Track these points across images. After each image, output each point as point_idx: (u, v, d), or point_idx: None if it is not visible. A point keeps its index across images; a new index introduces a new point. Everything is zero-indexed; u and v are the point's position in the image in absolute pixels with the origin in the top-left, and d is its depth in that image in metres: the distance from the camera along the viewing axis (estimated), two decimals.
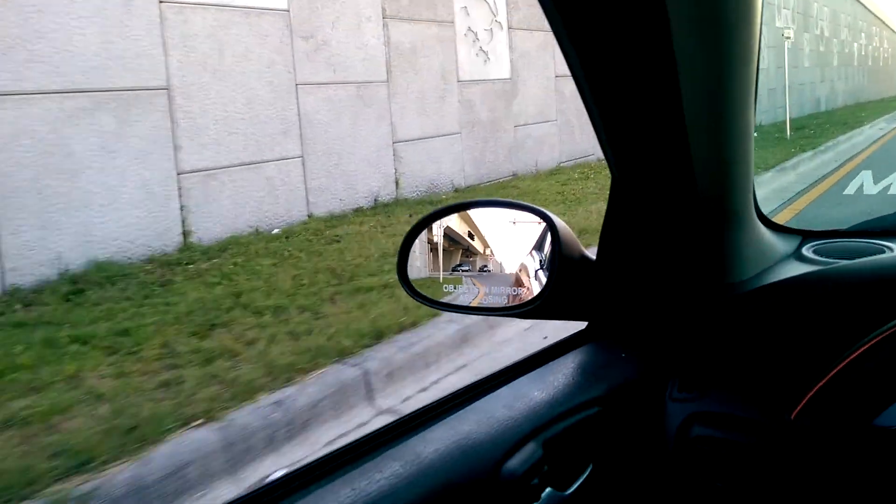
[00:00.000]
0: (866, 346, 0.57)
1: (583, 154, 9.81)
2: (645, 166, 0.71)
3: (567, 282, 0.77)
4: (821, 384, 0.59)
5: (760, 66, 0.71)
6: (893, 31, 37.78)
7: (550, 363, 0.79)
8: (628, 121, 0.66)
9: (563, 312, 0.81)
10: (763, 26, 0.67)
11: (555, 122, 9.46)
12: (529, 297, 0.78)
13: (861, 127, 13.93)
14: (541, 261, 0.78)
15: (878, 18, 32.99)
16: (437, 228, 0.84)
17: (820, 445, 0.59)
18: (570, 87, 8.87)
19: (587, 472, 0.70)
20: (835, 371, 0.58)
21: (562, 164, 9.43)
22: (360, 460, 0.60)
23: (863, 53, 28.32)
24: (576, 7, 0.55)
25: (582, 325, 0.86)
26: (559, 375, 0.76)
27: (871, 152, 10.50)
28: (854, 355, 0.58)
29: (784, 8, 16.48)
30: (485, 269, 0.81)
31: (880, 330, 0.57)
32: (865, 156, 9.99)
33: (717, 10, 0.57)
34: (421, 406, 0.68)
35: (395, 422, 0.65)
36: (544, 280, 0.77)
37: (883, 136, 12.95)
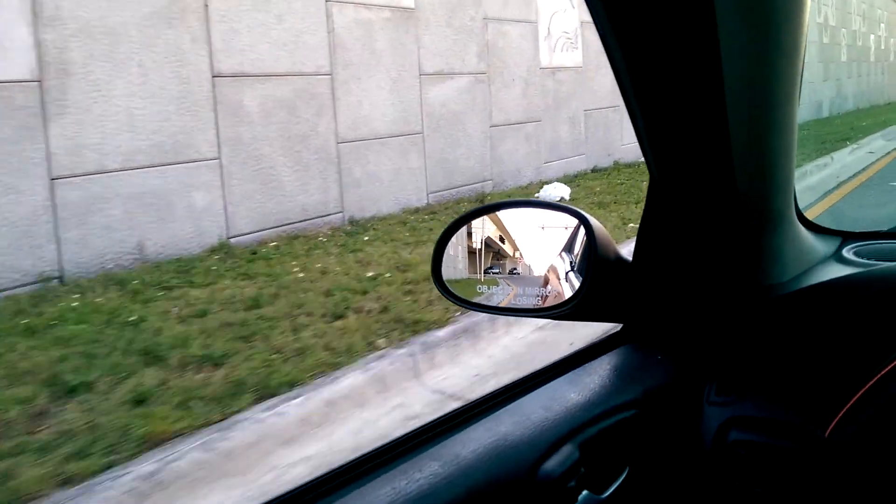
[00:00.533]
0: None
1: None
2: (685, 166, 0.70)
3: (603, 283, 0.76)
4: (856, 398, 0.58)
5: (805, 60, 0.70)
6: None
7: (586, 365, 0.79)
8: (670, 118, 0.65)
9: (598, 314, 0.80)
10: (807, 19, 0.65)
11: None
12: (561, 299, 0.77)
13: (847, 147, 9.30)
14: (571, 262, 0.78)
15: None
16: (471, 229, 0.84)
17: (854, 465, 0.57)
18: None
19: (624, 475, 0.70)
20: (871, 383, 0.57)
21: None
22: (398, 459, 0.61)
23: (882, 47, 24.20)
24: (620, 3, 0.55)
25: (618, 327, 0.86)
26: (595, 377, 0.76)
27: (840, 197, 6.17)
28: (894, 364, 0.57)
29: None
30: (515, 270, 0.81)
31: None
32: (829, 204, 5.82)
33: (762, 10, 0.56)
34: (458, 406, 0.68)
35: (432, 421, 0.65)
36: (575, 282, 0.77)
37: (872, 162, 8.24)
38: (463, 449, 0.61)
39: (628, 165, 9.21)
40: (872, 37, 23.49)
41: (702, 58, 0.57)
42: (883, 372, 0.57)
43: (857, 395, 0.58)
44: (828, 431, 0.59)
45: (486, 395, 0.71)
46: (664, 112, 0.65)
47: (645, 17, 0.55)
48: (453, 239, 0.84)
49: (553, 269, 0.80)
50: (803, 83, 0.70)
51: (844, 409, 0.59)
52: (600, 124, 9.33)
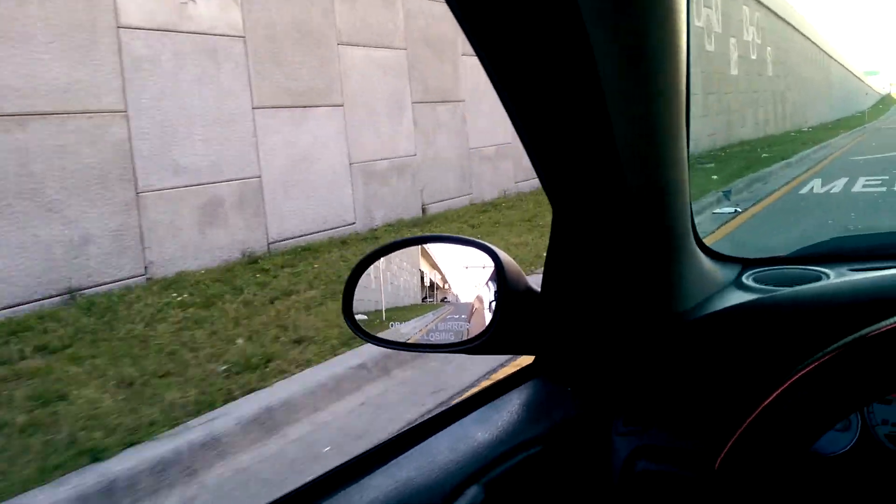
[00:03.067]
0: (799, 375, 0.57)
1: None
2: (582, 198, 0.71)
3: (513, 316, 0.76)
4: (743, 427, 0.59)
5: (692, 92, 0.72)
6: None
7: (495, 401, 0.78)
8: (562, 153, 0.66)
9: (509, 347, 0.80)
10: (690, 51, 0.68)
11: None
12: (477, 332, 0.77)
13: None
14: (495, 294, 0.78)
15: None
16: (384, 264, 0.83)
17: (739, 496, 0.58)
18: None
19: None
20: (763, 406, 0.58)
21: None
22: None
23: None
24: (500, 42, 0.55)
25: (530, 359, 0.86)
26: (504, 413, 0.75)
27: None
28: (786, 385, 0.58)
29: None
30: (431, 304, 0.81)
31: (814, 357, 0.57)
32: None
33: (641, 38, 0.57)
34: (359, 452, 0.67)
35: (331, 470, 0.63)
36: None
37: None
38: (362, 498, 0.59)
39: None
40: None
41: (585, 100, 0.58)
42: (770, 399, 0.58)
43: (746, 423, 0.59)
44: (717, 463, 0.60)
45: (390, 438, 0.69)
46: (555, 148, 0.65)
47: (524, 56, 0.56)
48: (365, 274, 0.83)
49: (475, 302, 0.79)
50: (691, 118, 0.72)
51: (733, 439, 0.60)
52: None
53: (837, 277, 0.83)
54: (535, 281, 0.81)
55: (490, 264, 0.78)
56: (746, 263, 0.96)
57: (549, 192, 0.72)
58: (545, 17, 0.52)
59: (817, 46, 33.53)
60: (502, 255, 0.77)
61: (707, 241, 0.90)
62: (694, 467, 0.69)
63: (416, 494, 0.61)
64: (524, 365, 0.85)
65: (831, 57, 39.26)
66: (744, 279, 0.91)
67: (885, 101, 57.58)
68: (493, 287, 0.77)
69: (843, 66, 45.77)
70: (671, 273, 0.80)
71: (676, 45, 0.61)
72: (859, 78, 55.48)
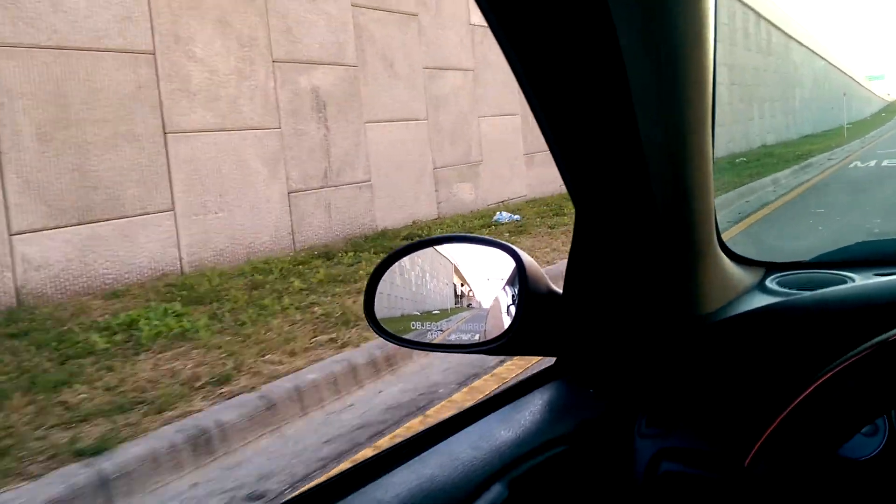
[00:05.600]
0: (825, 378, 0.57)
1: None
2: (607, 200, 0.71)
3: (534, 317, 0.76)
4: (772, 427, 0.58)
5: (717, 97, 0.72)
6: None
7: (517, 401, 0.78)
8: (587, 156, 0.66)
9: (531, 348, 0.80)
10: (717, 56, 0.68)
11: None
12: (498, 333, 0.77)
13: None
14: (513, 296, 0.78)
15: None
16: (406, 264, 0.84)
17: (770, 495, 0.58)
18: None
19: None
20: (790, 409, 0.58)
21: None
22: None
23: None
24: (530, 43, 0.56)
25: (551, 361, 0.86)
26: (526, 413, 0.75)
27: None
28: (812, 388, 0.58)
29: None
30: (453, 305, 0.81)
31: (839, 361, 0.57)
32: None
33: (669, 41, 0.58)
34: (381, 450, 0.67)
35: (353, 467, 0.63)
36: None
37: None
38: (385, 494, 0.59)
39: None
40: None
41: (612, 101, 0.58)
42: (796, 401, 0.58)
43: (774, 425, 0.59)
44: (747, 461, 0.60)
45: (413, 436, 0.69)
46: (581, 151, 0.66)
47: (552, 58, 0.56)
48: (386, 275, 0.84)
49: (496, 303, 0.80)
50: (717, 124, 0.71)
51: (762, 439, 0.59)
52: None
53: (862, 281, 0.83)
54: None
55: (512, 265, 0.78)
56: (770, 267, 0.95)
57: (573, 194, 0.73)
58: (575, 19, 0.53)
59: (795, 40, 27.93)
60: (524, 255, 0.77)
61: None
62: (718, 469, 0.69)
63: (439, 492, 0.61)
64: (546, 367, 0.85)
65: (815, 53, 33.11)
66: (767, 283, 0.90)
67: (889, 109, 51.85)
68: (514, 288, 0.77)
69: (833, 65, 39.22)
70: (694, 276, 0.79)
71: (703, 49, 0.61)
72: (858, 82, 49.10)
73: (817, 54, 33.08)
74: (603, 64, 0.55)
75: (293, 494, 0.61)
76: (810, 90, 32.02)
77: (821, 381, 0.57)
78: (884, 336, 0.54)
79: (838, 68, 40.57)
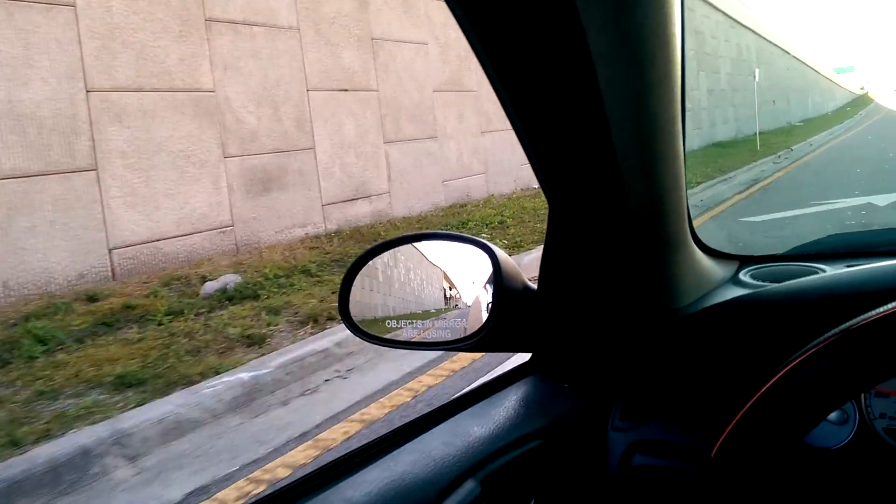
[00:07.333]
0: (790, 367, 0.57)
1: None
2: (579, 195, 0.71)
3: (509, 314, 0.76)
4: (739, 416, 0.59)
5: (687, 90, 0.70)
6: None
7: (492, 397, 0.78)
8: (558, 151, 0.66)
9: (506, 344, 0.80)
10: (687, 50, 0.66)
11: None
12: (475, 330, 0.77)
13: None
14: (489, 293, 0.78)
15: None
16: (380, 262, 0.84)
17: (736, 485, 0.58)
18: None
19: None
20: (755, 399, 0.58)
21: None
22: None
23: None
24: (496, 37, 0.55)
25: (527, 356, 0.86)
26: (500, 409, 0.75)
27: None
28: (777, 377, 0.58)
29: None
30: (429, 303, 0.81)
31: (804, 349, 0.57)
32: None
33: (635, 34, 0.57)
34: (354, 448, 0.67)
35: (323, 466, 0.63)
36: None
37: None
38: (355, 493, 0.58)
39: None
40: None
41: (581, 96, 0.58)
42: (761, 391, 0.58)
43: (739, 415, 0.59)
44: (713, 452, 0.60)
45: (384, 434, 0.69)
46: (552, 146, 0.66)
47: (520, 52, 0.56)
48: (361, 273, 0.84)
49: (472, 300, 0.79)
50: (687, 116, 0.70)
51: (727, 430, 0.60)
52: None
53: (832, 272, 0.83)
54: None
55: (487, 262, 0.78)
56: (744, 261, 0.96)
57: (546, 190, 0.73)
58: (544, 17, 0.53)
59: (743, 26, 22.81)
60: (499, 252, 0.77)
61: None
62: (690, 461, 0.69)
63: (411, 488, 0.60)
64: (522, 363, 0.85)
65: (765, 39, 26.82)
66: (741, 276, 0.91)
67: (856, 103, 46.42)
68: (490, 285, 0.77)
69: (794, 56, 33.33)
70: (668, 270, 0.80)
71: (671, 39, 0.61)
72: (824, 75, 43.18)
73: (767, 40, 26.92)
74: (571, 60, 0.55)
75: (266, 491, 0.61)
76: (764, 85, 23.22)
77: (785, 370, 0.57)
78: (848, 323, 0.55)
79: (798, 59, 34.79)
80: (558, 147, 0.66)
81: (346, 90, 7.46)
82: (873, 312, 0.54)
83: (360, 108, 7.65)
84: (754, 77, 18.58)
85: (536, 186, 9.10)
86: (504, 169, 9.99)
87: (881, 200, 6.26)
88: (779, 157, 12.90)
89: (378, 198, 7.94)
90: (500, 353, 2.03)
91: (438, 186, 8.87)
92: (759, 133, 17.96)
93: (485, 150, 9.76)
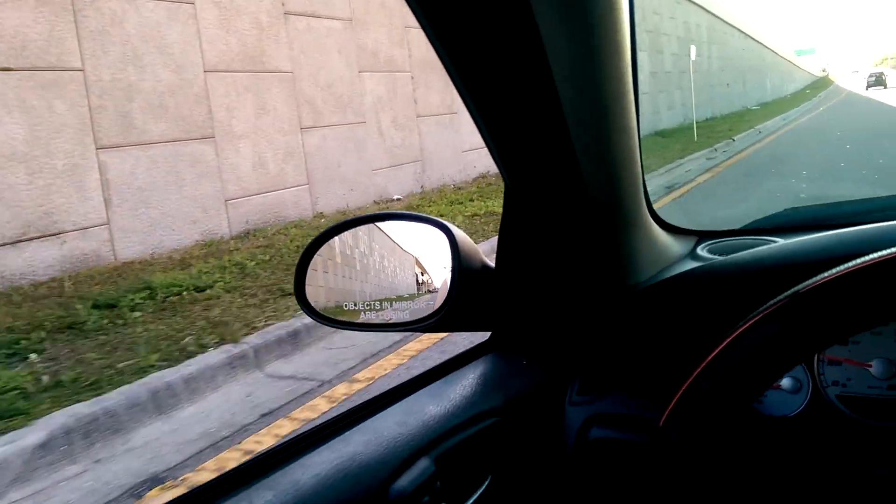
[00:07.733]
0: (737, 333, 0.58)
1: None
2: (534, 173, 0.71)
3: (468, 292, 0.76)
4: (686, 384, 0.59)
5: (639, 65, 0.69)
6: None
7: (449, 376, 0.77)
8: (512, 128, 0.66)
9: (465, 324, 0.80)
10: (637, 23, 0.64)
11: None
12: (433, 310, 0.76)
13: None
14: (447, 272, 0.77)
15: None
16: (337, 243, 0.81)
17: (683, 455, 0.59)
18: None
19: (485, 485, 0.69)
20: (701, 367, 0.58)
21: None
22: (228, 494, 0.55)
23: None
24: (443, 12, 0.54)
25: (486, 335, 0.85)
26: (457, 388, 0.74)
27: None
28: (724, 344, 0.58)
29: None
30: (386, 284, 0.79)
31: (752, 315, 0.57)
32: None
33: (582, 11, 0.57)
34: (304, 430, 0.64)
35: (270, 449, 0.60)
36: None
37: None
38: (303, 475, 0.57)
39: None
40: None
41: (530, 70, 0.58)
42: (708, 359, 0.58)
43: (686, 384, 0.60)
44: (661, 422, 0.60)
45: (336, 416, 0.66)
46: (505, 123, 0.65)
47: (468, 27, 0.55)
48: (318, 253, 0.80)
49: (429, 280, 0.79)
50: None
51: (675, 399, 0.60)
52: None
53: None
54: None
55: (445, 241, 0.78)
56: (702, 235, 0.97)
57: (502, 168, 0.72)
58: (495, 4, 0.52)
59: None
60: (457, 231, 0.77)
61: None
62: (644, 432, 0.70)
63: (362, 468, 0.59)
64: (480, 342, 0.85)
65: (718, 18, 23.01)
66: (699, 251, 0.91)
67: (816, 85, 44.59)
68: (448, 264, 0.77)
69: (751, 38, 29.69)
70: (625, 246, 0.80)
71: (620, 13, 0.61)
72: (784, 57, 39.10)
73: (721, 19, 23.51)
74: (521, 38, 0.55)
75: (213, 477, 0.57)
76: (717, 66, 22.03)
77: (733, 336, 0.57)
78: (796, 288, 0.55)
79: (756, 40, 31.28)
80: (512, 126, 0.65)
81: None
82: (819, 277, 0.54)
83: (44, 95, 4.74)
84: (690, 56, 15.63)
85: (398, 196, 7.81)
86: (339, 174, 7.40)
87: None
88: (714, 150, 10.36)
89: (81, 235, 4.99)
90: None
91: (219, 207, 6.15)
92: (709, 119, 16.05)
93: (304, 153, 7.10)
